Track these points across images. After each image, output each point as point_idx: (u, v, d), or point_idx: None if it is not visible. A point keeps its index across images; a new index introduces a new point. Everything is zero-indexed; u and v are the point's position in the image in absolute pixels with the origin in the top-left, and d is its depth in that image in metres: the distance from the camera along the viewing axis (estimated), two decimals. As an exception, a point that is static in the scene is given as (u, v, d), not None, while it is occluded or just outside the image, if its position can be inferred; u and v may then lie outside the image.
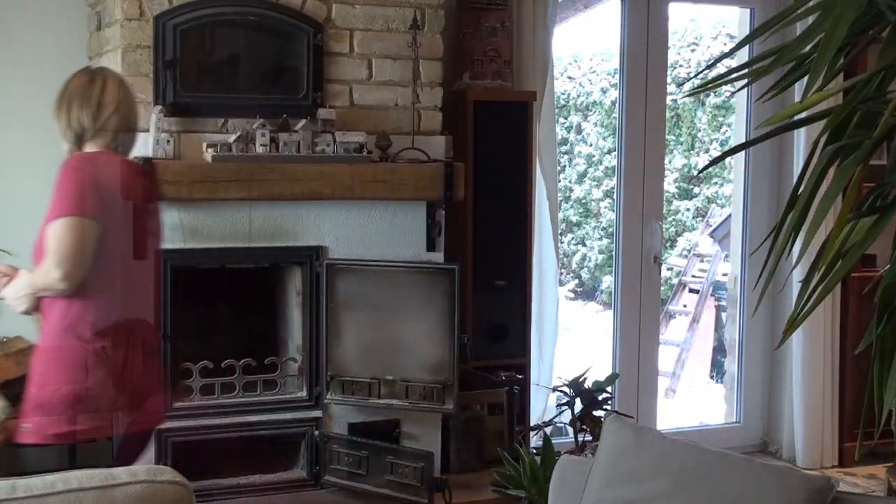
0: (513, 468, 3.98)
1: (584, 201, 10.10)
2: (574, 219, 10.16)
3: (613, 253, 5.40)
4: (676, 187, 9.75)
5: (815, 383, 5.19)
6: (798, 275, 3.70)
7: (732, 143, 7.73)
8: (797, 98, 4.40)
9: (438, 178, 4.15)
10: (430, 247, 4.28)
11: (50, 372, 2.91)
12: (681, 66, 9.57)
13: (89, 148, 3.01)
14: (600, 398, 4.39)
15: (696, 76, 8.10)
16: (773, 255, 2.36)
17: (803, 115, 2.45)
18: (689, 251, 9.08)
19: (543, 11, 4.74)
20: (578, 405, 4.41)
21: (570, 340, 7.82)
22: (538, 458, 3.97)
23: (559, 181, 5.75)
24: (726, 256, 7.64)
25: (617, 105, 5.33)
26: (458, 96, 4.54)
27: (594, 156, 10.07)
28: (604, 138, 9.93)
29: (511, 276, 4.61)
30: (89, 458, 2.88)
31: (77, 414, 2.87)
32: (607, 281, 9.47)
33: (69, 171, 2.91)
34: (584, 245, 10.17)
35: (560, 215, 5.50)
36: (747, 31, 5.52)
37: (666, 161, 5.77)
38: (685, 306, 8.21)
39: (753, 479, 2.35)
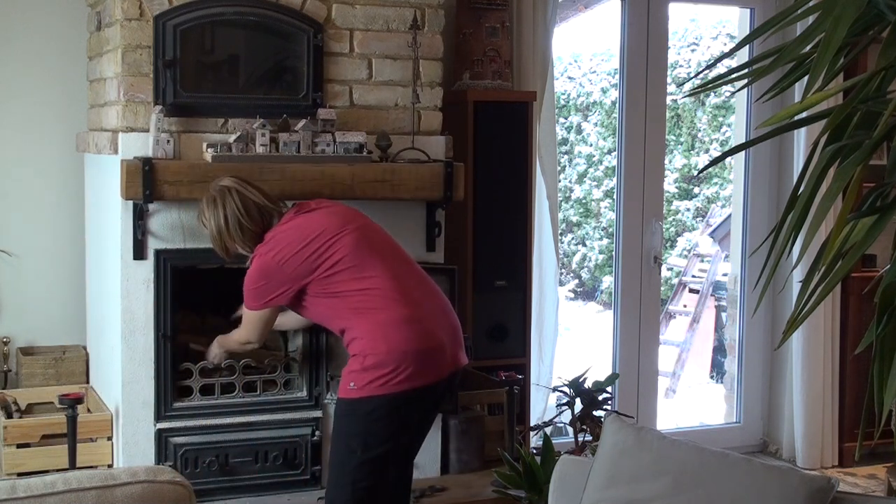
0: (513, 468, 3.98)
1: (584, 201, 10.10)
2: (574, 219, 10.16)
3: (613, 253, 5.40)
4: (676, 187, 9.75)
5: (815, 383, 5.19)
6: (798, 275, 3.70)
7: (732, 143, 7.74)
8: (797, 98, 4.40)
9: (438, 178, 4.15)
10: (430, 247, 4.28)
11: (368, 341, 3.26)
12: (681, 66, 9.57)
13: (269, 234, 3.44)
14: (600, 398, 4.39)
15: (696, 76, 8.10)
16: (773, 255, 2.36)
17: (803, 115, 2.45)
18: (689, 251, 9.08)
19: (543, 11, 4.74)
20: (578, 405, 4.41)
21: (570, 340, 7.82)
22: (538, 458, 3.96)
23: (559, 181, 5.75)
24: (726, 256, 7.64)
25: (617, 105, 5.33)
26: (458, 96, 4.54)
27: (594, 156, 10.07)
28: (604, 138, 9.94)
29: (511, 276, 4.61)
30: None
31: (399, 366, 3.21)
32: (607, 281, 9.47)
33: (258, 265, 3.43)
34: (584, 245, 10.17)
35: (560, 215, 5.50)
36: (747, 31, 5.52)
37: (666, 161, 5.77)
38: (685, 306, 8.21)
39: (753, 479, 2.35)
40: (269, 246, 3.38)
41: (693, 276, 8.31)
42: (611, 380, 4.53)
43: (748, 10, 5.49)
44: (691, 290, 8.24)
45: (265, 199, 3.48)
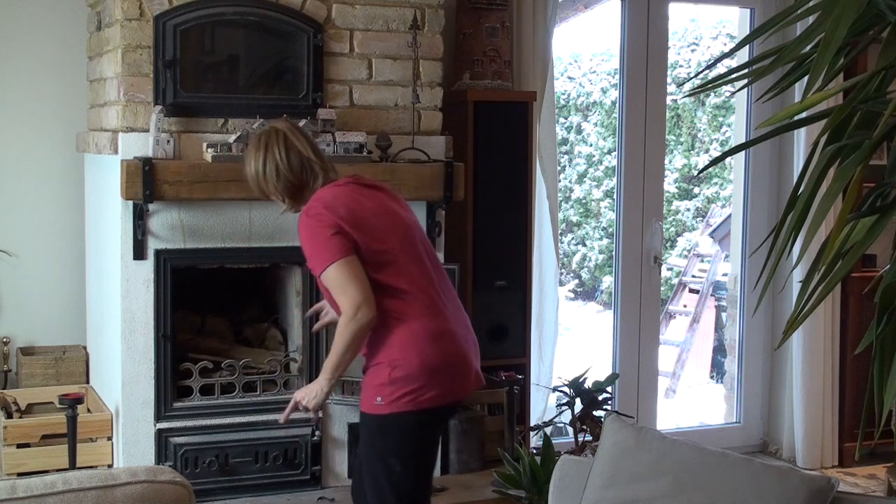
0: (513, 468, 3.98)
1: (584, 201, 10.10)
2: (574, 219, 10.16)
3: (613, 253, 5.40)
4: (676, 187, 9.75)
5: (815, 383, 5.18)
6: (798, 275, 3.70)
7: (732, 143, 7.73)
8: (797, 98, 4.40)
9: (438, 178, 4.15)
10: (431, 247, 4.28)
11: (399, 350, 3.03)
12: (681, 66, 9.57)
13: (308, 195, 3.12)
14: (600, 398, 4.39)
15: (696, 76, 8.10)
16: (773, 255, 2.36)
17: (803, 115, 2.45)
18: (689, 251, 9.08)
19: (543, 11, 4.74)
20: (578, 405, 4.41)
21: (570, 340, 7.82)
22: (538, 458, 3.97)
23: (559, 181, 5.75)
24: (726, 256, 7.64)
25: (617, 105, 5.32)
26: (458, 96, 4.54)
27: (594, 156, 10.07)
28: (604, 138, 9.93)
29: (511, 276, 4.61)
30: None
31: (428, 382, 3.02)
32: (607, 281, 9.47)
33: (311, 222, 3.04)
34: (584, 245, 10.17)
35: (560, 215, 5.50)
36: (747, 31, 5.52)
37: (666, 161, 5.77)
38: (685, 306, 8.21)
39: (753, 479, 2.35)
40: (322, 202, 3.04)
41: (693, 276, 8.31)
42: (611, 380, 4.53)
43: (748, 10, 5.48)
44: (691, 290, 8.24)
45: (312, 152, 3.16)
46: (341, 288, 2.97)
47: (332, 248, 2.97)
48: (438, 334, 3.06)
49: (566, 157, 10.11)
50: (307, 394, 3.10)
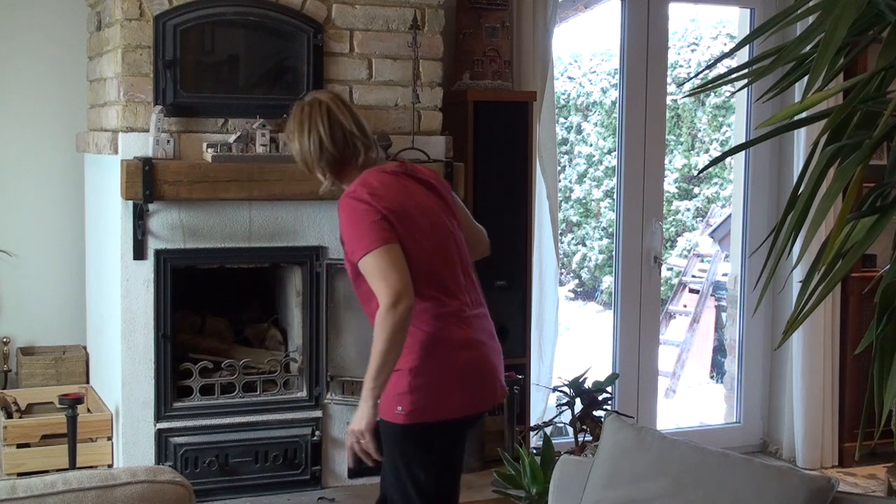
0: (513, 468, 3.98)
1: (584, 201, 10.10)
2: (574, 219, 10.16)
3: (613, 253, 5.40)
4: (676, 187, 9.75)
5: (815, 383, 5.18)
6: (798, 275, 3.70)
7: (732, 143, 7.73)
8: (797, 98, 4.40)
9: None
10: (430, 247, 4.27)
11: (421, 358, 2.89)
12: (681, 66, 9.57)
13: (351, 172, 3.01)
14: (600, 398, 4.39)
15: (696, 76, 8.10)
16: (773, 255, 2.36)
17: (803, 115, 2.45)
18: (689, 251, 9.08)
19: (543, 11, 4.74)
20: (578, 405, 4.41)
21: (570, 340, 7.82)
22: (538, 458, 3.96)
23: (559, 181, 5.75)
24: (726, 256, 7.64)
25: (617, 105, 5.32)
26: (458, 96, 4.54)
27: (594, 156, 10.07)
28: (604, 138, 9.93)
29: (511, 276, 4.61)
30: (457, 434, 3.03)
31: (450, 392, 2.91)
32: (607, 281, 9.47)
33: (354, 205, 2.91)
34: (584, 245, 10.17)
35: (560, 215, 5.50)
36: (747, 31, 5.52)
37: (666, 161, 5.77)
38: (685, 306, 8.21)
39: (753, 479, 2.35)
40: (368, 187, 2.92)
41: (693, 276, 8.31)
42: (611, 380, 4.53)
43: (748, 10, 5.48)
44: (691, 290, 8.24)
45: (355, 125, 3.02)
46: (382, 274, 2.78)
47: (375, 233, 2.82)
48: (463, 343, 2.94)
49: (566, 157, 10.11)
50: (354, 419, 2.87)
